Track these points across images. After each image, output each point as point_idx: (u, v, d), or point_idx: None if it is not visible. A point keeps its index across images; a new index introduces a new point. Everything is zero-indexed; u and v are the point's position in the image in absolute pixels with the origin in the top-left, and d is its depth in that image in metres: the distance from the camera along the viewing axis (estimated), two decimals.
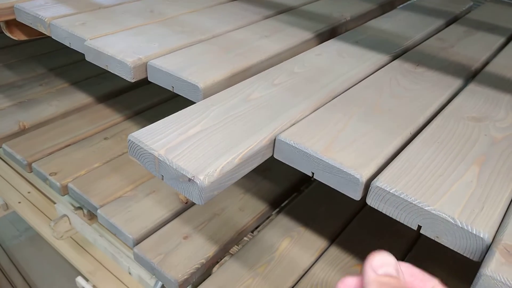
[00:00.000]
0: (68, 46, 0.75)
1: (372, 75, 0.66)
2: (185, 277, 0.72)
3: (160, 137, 0.47)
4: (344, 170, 0.44)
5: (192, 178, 0.42)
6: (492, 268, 0.34)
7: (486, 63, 0.74)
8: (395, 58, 0.73)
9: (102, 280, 1.20)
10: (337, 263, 0.76)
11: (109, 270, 1.27)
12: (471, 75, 0.69)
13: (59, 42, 0.77)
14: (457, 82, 0.65)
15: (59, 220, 1.05)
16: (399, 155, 0.47)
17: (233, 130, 0.50)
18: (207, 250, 0.77)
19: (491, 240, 0.37)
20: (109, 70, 0.68)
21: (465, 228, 0.38)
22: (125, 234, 0.79)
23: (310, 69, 0.65)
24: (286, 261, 0.76)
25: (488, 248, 0.37)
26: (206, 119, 0.51)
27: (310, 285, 0.72)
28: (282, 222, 0.85)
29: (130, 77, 0.65)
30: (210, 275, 0.75)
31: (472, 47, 0.80)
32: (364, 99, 0.58)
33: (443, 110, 0.57)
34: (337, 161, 0.45)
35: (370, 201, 0.44)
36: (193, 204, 0.88)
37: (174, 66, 0.63)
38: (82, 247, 1.33)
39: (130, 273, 1.00)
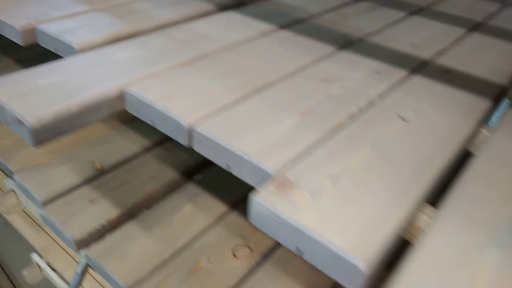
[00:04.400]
0: None
1: (249, 42, 0.69)
2: (83, 236, 0.75)
3: (11, 86, 0.51)
4: (172, 117, 0.48)
5: (21, 120, 0.46)
6: (259, 195, 0.38)
7: (370, 34, 0.77)
8: (282, 28, 0.76)
9: (55, 256, 1.24)
10: (232, 226, 0.80)
11: (61, 247, 1.31)
12: (349, 44, 0.72)
13: None
14: (330, 49, 0.69)
15: (6, 195, 1.08)
16: (232, 106, 0.51)
17: (84, 81, 0.53)
18: (110, 213, 0.80)
19: (275, 174, 0.41)
20: (4, 35, 0.71)
21: (255, 163, 0.42)
22: (34, 197, 0.83)
23: (191, 35, 0.69)
24: (184, 223, 0.80)
25: None
26: (61, 73, 0.55)
27: (201, 245, 0.76)
28: (191, 189, 0.89)
29: (20, 41, 0.69)
30: None
31: (367, 20, 0.83)
32: (227, 61, 0.62)
33: (299, 72, 0.61)
34: (168, 108, 0.49)
35: (194, 146, 0.48)
36: (107, 172, 0.91)
37: (59, 30, 0.67)
38: (36, 223, 1.36)
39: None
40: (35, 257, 1.20)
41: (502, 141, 0.50)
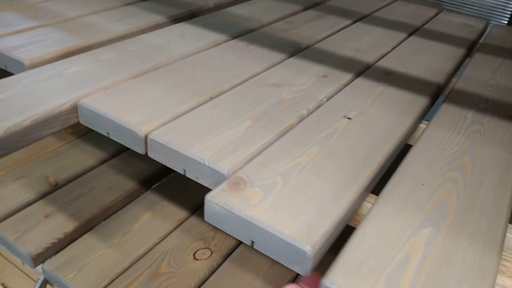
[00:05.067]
0: None
1: (202, 52, 0.71)
2: (39, 251, 0.74)
3: None
4: (127, 127, 0.49)
5: None
6: (212, 194, 0.40)
7: (319, 41, 0.81)
8: (234, 38, 0.79)
9: (10, 277, 1.19)
10: (192, 231, 0.81)
11: (16, 266, 1.26)
12: (299, 51, 0.76)
13: None
14: (280, 57, 0.72)
15: None
16: (185, 114, 0.53)
17: (36, 96, 0.53)
18: (66, 226, 0.79)
19: (230, 175, 0.43)
20: None
21: (211, 166, 0.44)
22: None
23: (144, 47, 0.70)
24: (144, 231, 0.80)
25: None
26: (14, 89, 0.54)
27: (161, 251, 0.77)
28: (149, 198, 0.89)
29: None
30: None
31: (315, 28, 0.87)
32: (181, 71, 0.63)
33: (250, 79, 0.63)
34: (123, 119, 0.50)
35: (150, 153, 0.49)
36: (62, 186, 0.90)
37: (8, 46, 0.66)
38: None
39: (23, 264, 1.01)
40: None
41: (434, 131, 0.55)
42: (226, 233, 0.82)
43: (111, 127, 0.51)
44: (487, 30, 1.05)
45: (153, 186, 0.96)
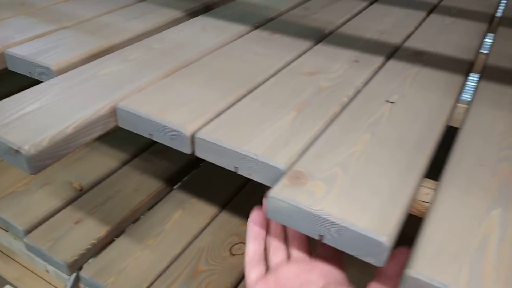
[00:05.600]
0: None
1: (228, 45, 0.70)
2: (75, 258, 0.74)
3: None
4: (172, 127, 0.48)
5: (18, 149, 0.44)
6: (275, 190, 0.39)
7: (341, 26, 0.80)
8: (256, 28, 0.77)
9: (30, 285, 1.19)
10: (225, 226, 0.81)
11: (35, 273, 1.26)
12: (324, 37, 0.75)
13: None
14: (307, 44, 0.71)
15: None
16: (227, 110, 0.51)
17: (73, 102, 0.52)
18: (98, 231, 0.79)
19: (286, 169, 0.42)
20: None
21: (266, 162, 0.43)
22: (15, 226, 0.80)
23: (169, 44, 0.69)
24: (176, 231, 0.80)
25: None
26: (47, 97, 0.53)
27: (197, 249, 0.76)
28: (176, 196, 0.88)
29: None
30: None
31: (333, 12, 0.86)
32: (212, 66, 0.62)
33: (283, 69, 0.62)
34: (166, 120, 0.49)
35: (197, 153, 0.48)
36: (88, 190, 0.89)
37: (30, 52, 0.64)
38: (5, 254, 1.30)
39: (47, 271, 1.00)
40: None
41: (479, 110, 0.54)
42: None
43: (154, 128, 0.50)
44: (503, 3, 1.04)
45: (178, 184, 0.95)
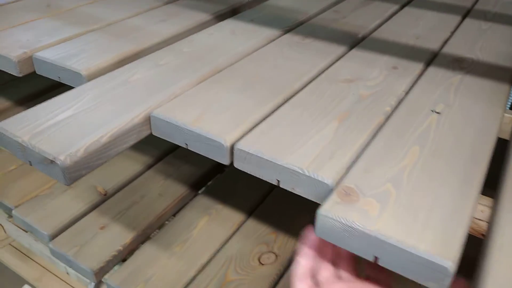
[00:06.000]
0: None
1: (260, 49, 0.68)
2: (101, 265, 0.72)
3: (28, 124, 0.47)
4: (210, 137, 0.46)
5: (53, 160, 0.43)
6: (326, 208, 0.37)
7: (374, 30, 0.77)
8: (286, 32, 0.75)
9: (48, 285, 1.18)
10: (252, 234, 0.79)
11: (54, 274, 1.25)
12: (357, 42, 0.72)
13: None
14: (340, 49, 0.68)
15: None
16: (266, 119, 0.49)
17: (106, 110, 0.50)
18: (124, 237, 0.77)
19: (335, 185, 0.40)
20: None
21: (312, 176, 0.41)
22: (40, 231, 0.79)
23: (199, 48, 0.67)
24: (203, 238, 0.78)
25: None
26: (79, 103, 0.51)
27: (225, 257, 0.74)
28: (202, 202, 0.87)
29: (17, 72, 0.64)
30: None
31: (364, 16, 0.83)
32: (245, 72, 0.60)
33: (319, 76, 0.60)
34: (204, 130, 0.47)
35: (236, 164, 0.46)
36: (112, 195, 0.88)
37: (59, 56, 0.63)
38: (25, 255, 1.30)
39: (68, 273, 0.99)
40: None
41: None
42: (288, 235, 0.80)
43: (190, 138, 0.48)
44: None
45: (202, 189, 0.93)
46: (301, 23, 0.79)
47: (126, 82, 0.56)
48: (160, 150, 0.99)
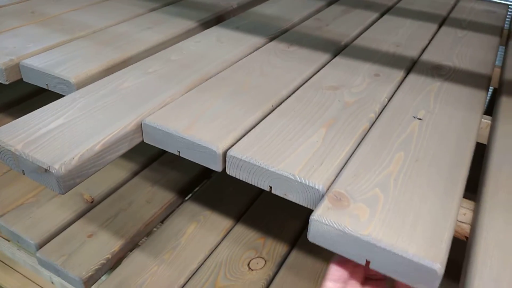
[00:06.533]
0: None
1: (246, 57, 0.69)
2: (90, 274, 0.72)
3: (20, 132, 0.47)
4: (203, 145, 0.47)
5: (48, 168, 0.43)
6: (319, 213, 0.38)
7: (356, 38, 0.80)
8: (271, 40, 0.77)
9: None
10: (241, 239, 0.80)
11: (37, 284, 1.23)
12: (340, 49, 0.74)
13: None
14: (324, 57, 0.70)
15: None
16: (256, 126, 0.51)
17: (98, 118, 0.51)
18: (112, 245, 0.77)
19: (325, 190, 0.42)
20: None
21: (303, 182, 0.42)
22: (26, 240, 0.78)
23: (187, 56, 0.68)
24: (192, 244, 0.79)
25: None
26: (71, 111, 0.52)
27: (215, 264, 0.75)
28: (189, 208, 0.87)
29: (3, 79, 0.64)
30: None
31: (346, 24, 0.86)
32: (233, 79, 0.61)
33: (305, 83, 0.62)
34: (197, 137, 0.48)
35: (229, 170, 0.47)
36: (99, 202, 0.88)
37: (47, 64, 0.63)
38: (6, 265, 1.27)
39: (52, 282, 0.98)
40: None
41: (506, 126, 0.54)
42: (276, 240, 0.81)
43: (182, 145, 0.49)
44: (509, 16, 1.05)
45: (190, 195, 0.94)
46: (286, 31, 0.81)
47: (116, 90, 0.57)
48: (146, 157, 0.99)
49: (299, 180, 0.42)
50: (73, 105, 0.53)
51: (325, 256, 0.77)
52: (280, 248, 0.79)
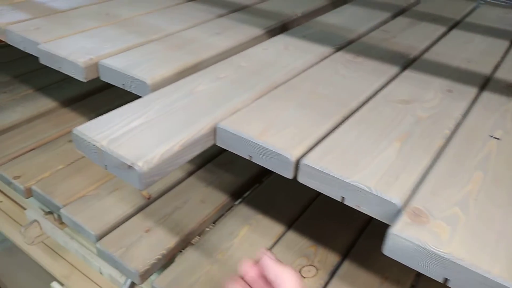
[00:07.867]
0: (23, 50, 0.77)
1: (314, 66, 0.69)
2: (146, 267, 0.74)
3: (103, 129, 0.50)
4: (276, 151, 0.48)
5: (132, 165, 0.45)
6: (398, 228, 0.38)
7: (425, 51, 0.78)
8: (338, 50, 0.77)
9: (76, 283, 1.21)
10: (293, 246, 0.80)
11: (83, 273, 1.28)
12: (409, 63, 0.73)
13: (22, 50, 0.79)
14: (393, 69, 0.70)
15: (29, 226, 1.05)
16: (328, 136, 0.51)
17: (175, 120, 0.53)
18: (168, 241, 0.79)
19: (402, 205, 0.41)
20: (62, 71, 0.70)
21: (379, 195, 0.42)
22: (87, 230, 0.81)
23: (256, 63, 0.69)
24: (245, 247, 0.79)
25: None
26: (150, 112, 0.54)
27: None
28: (242, 211, 0.88)
29: (82, 77, 0.68)
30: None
31: (413, 36, 0.85)
32: (303, 88, 0.62)
33: (375, 95, 0.61)
34: (270, 143, 0.49)
35: (300, 178, 0.48)
36: (156, 199, 0.90)
37: (124, 64, 0.66)
38: (55, 252, 1.33)
39: (101, 273, 1.02)
40: (55, 285, 1.17)
41: None
42: (328, 249, 0.81)
43: (255, 150, 0.50)
44: None
45: (241, 198, 0.95)
46: (352, 41, 0.81)
47: (190, 93, 0.59)
48: (201, 158, 1.01)
49: (375, 193, 0.42)
50: (150, 106, 0.55)
51: (378, 269, 0.76)
52: (332, 258, 0.78)
